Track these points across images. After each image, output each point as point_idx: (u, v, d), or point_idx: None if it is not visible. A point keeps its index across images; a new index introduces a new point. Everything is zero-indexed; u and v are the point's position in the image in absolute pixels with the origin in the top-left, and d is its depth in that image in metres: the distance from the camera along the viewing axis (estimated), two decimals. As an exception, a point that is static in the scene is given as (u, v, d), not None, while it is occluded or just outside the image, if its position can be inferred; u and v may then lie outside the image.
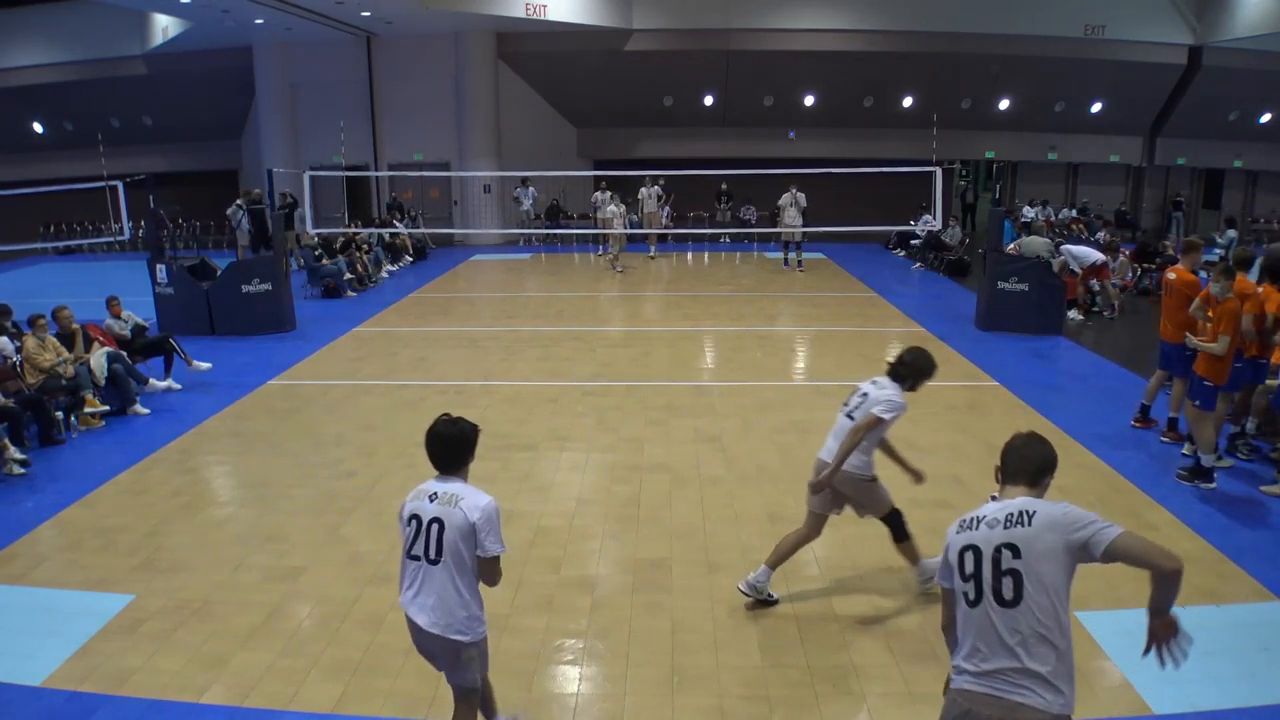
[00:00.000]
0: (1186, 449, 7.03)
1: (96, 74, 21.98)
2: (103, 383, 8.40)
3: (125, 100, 22.42)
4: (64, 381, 8.00)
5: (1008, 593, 2.51)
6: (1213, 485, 6.39)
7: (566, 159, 22.11)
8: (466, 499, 3.24)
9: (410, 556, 3.29)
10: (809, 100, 21.95)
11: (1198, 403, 6.45)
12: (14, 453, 6.98)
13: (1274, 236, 19.44)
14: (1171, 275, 7.42)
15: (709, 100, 22.08)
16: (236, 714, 3.98)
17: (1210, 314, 6.59)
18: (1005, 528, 2.57)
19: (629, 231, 17.49)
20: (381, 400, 8.97)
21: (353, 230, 17.30)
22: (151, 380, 9.16)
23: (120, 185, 13.77)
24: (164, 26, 19.97)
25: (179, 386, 9.38)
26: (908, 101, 21.87)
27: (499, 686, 4.17)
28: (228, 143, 23.46)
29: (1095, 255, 13.21)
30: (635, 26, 20.61)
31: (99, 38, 21.46)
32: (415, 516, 3.28)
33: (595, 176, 19.97)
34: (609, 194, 17.92)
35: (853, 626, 4.64)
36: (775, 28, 20.56)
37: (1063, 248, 13.41)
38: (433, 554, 3.22)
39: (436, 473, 3.37)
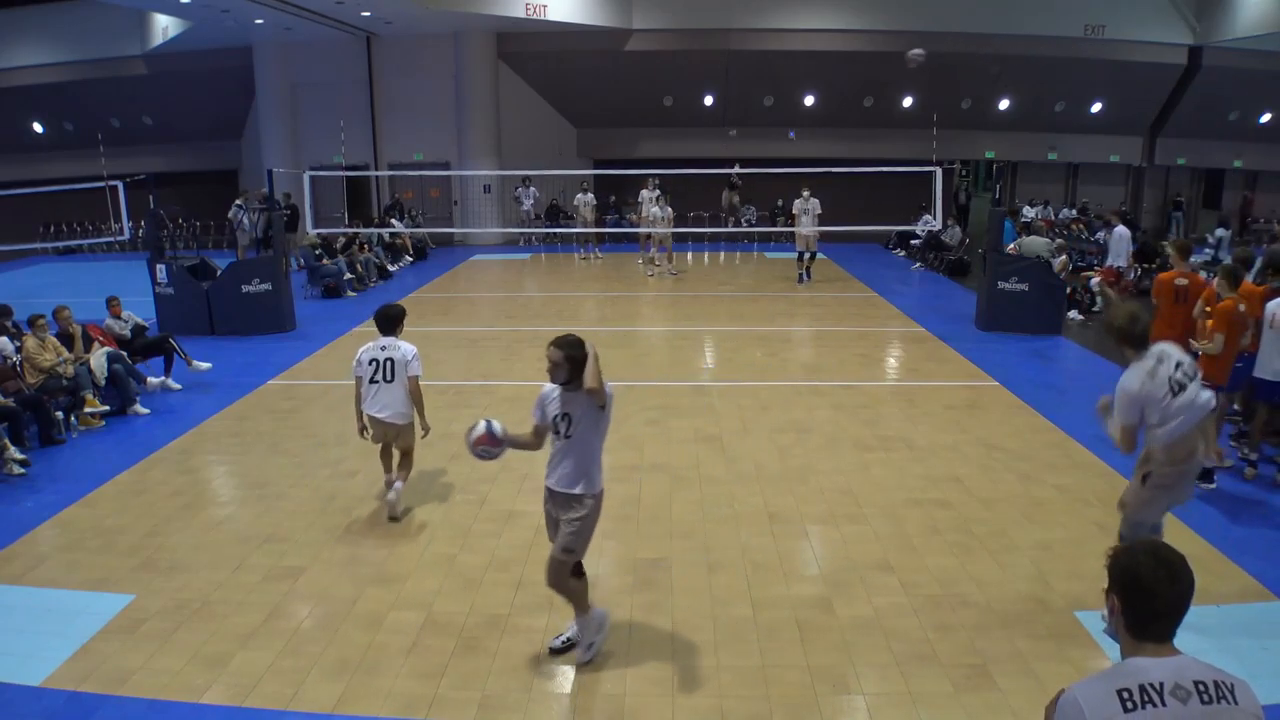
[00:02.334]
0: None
1: (96, 74, 21.98)
2: (103, 383, 8.40)
3: (125, 100, 22.42)
4: (64, 381, 8.00)
5: None
6: (1213, 485, 6.39)
7: (566, 159, 22.11)
8: (402, 347, 5.93)
9: (371, 382, 5.91)
10: (809, 100, 21.95)
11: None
12: (14, 453, 6.97)
13: (1274, 237, 19.43)
14: (1183, 281, 7.27)
15: (709, 100, 22.08)
16: (236, 714, 3.98)
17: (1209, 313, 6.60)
18: (1204, 702, 1.88)
19: (628, 231, 17.37)
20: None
21: (352, 232, 17.24)
22: (149, 378, 9.16)
23: (120, 185, 13.78)
24: (164, 26, 19.97)
25: (178, 386, 9.38)
26: (908, 101, 21.86)
27: (500, 686, 4.18)
28: (228, 143, 23.46)
29: (1124, 260, 13.14)
30: (635, 26, 20.61)
31: (99, 38, 21.46)
32: (374, 360, 5.93)
33: (590, 177, 19.93)
34: (654, 194, 17.20)
35: (853, 626, 4.64)
36: (775, 28, 20.56)
37: (1114, 231, 13.32)
38: (388, 377, 5.88)
39: (380, 335, 6.02)
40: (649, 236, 17.41)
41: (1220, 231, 17.40)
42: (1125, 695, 1.88)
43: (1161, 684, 1.88)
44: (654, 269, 17.24)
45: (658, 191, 17.19)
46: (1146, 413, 4.38)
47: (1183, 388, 4.38)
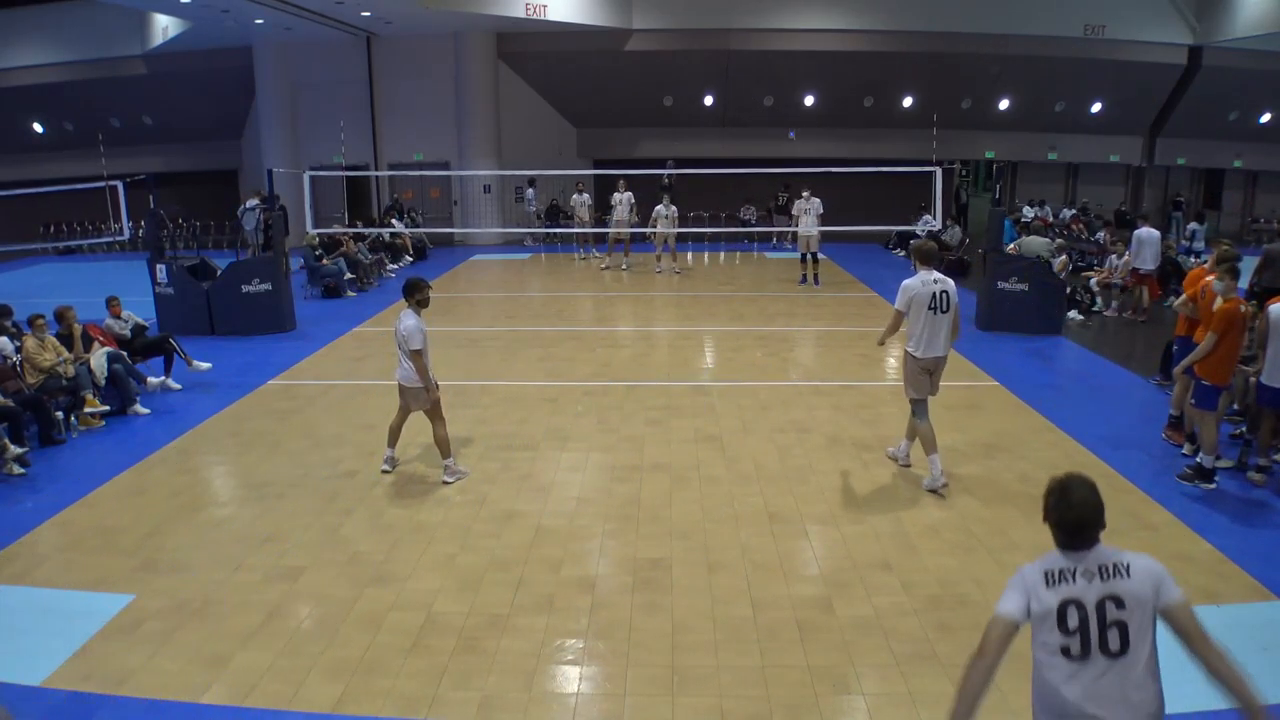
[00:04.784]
0: (1187, 449, 7.03)
1: (96, 74, 21.97)
2: (103, 383, 8.40)
3: (125, 100, 22.42)
4: (64, 381, 8.00)
5: (1114, 644, 2.59)
6: (1213, 485, 6.39)
7: (566, 159, 22.12)
8: (404, 322, 6.39)
9: (397, 348, 6.51)
10: (809, 100, 21.95)
11: (1195, 402, 6.46)
12: (14, 453, 6.98)
13: (1273, 236, 19.44)
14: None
15: (709, 100, 22.08)
16: (236, 714, 3.98)
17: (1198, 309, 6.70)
18: (1103, 579, 2.62)
19: (628, 231, 17.40)
20: (382, 400, 8.94)
21: (332, 233, 17.06)
22: (149, 378, 9.16)
23: (120, 185, 13.76)
24: (164, 26, 19.97)
25: (178, 386, 9.38)
26: (908, 101, 21.86)
27: (500, 686, 4.19)
28: (228, 143, 23.47)
29: (1150, 263, 12.81)
30: (635, 26, 20.61)
31: (99, 38, 21.46)
32: (394, 328, 6.49)
33: (588, 178, 19.88)
34: (625, 195, 17.45)
35: (853, 626, 4.64)
36: (775, 28, 20.56)
37: (1139, 232, 12.89)
38: (399, 347, 6.45)
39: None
40: (632, 238, 17.61)
41: (1193, 226, 17.41)
42: (1049, 575, 2.65)
43: (1075, 569, 2.63)
44: (659, 267, 17.29)
45: (629, 193, 17.31)
46: (912, 312, 6.30)
47: (943, 311, 6.25)
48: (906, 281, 6.34)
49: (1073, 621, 2.61)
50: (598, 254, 19.64)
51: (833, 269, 17.56)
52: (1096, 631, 2.59)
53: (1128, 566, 2.62)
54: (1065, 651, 2.62)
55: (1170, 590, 2.60)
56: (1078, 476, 2.71)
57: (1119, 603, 2.58)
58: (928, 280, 6.27)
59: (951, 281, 6.40)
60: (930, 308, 6.23)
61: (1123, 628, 2.59)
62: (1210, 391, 6.38)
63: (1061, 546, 2.70)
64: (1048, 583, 2.65)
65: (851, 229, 15.75)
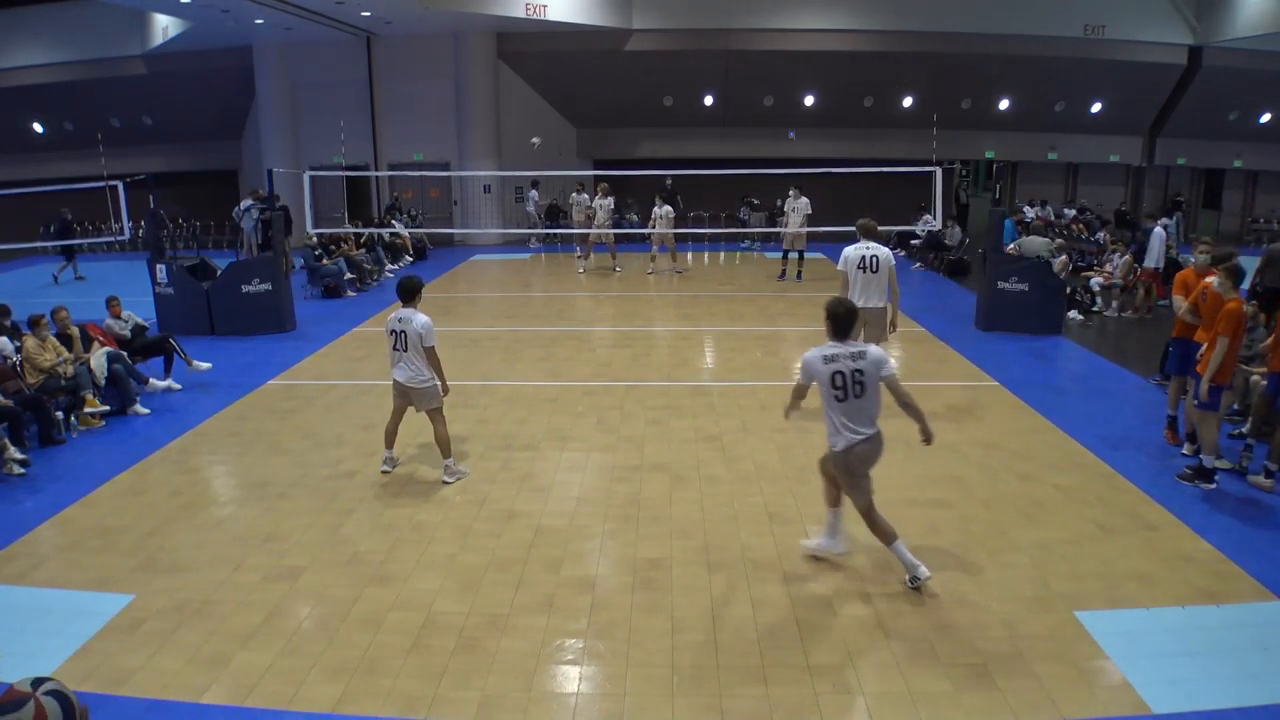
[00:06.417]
0: (1186, 449, 7.03)
1: (96, 74, 21.98)
2: (103, 383, 8.40)
3: (125, 100, 22.42)
4: (64, 381, 8.01)
5: (858, 392, 4.81)
6: (1213, 485, 6.39)
7: (566, 159, 22.11)
8: (415, 321, 6.38)
9: (394, 349, 6.47)
10: (809, 100, 21.95)
11: (1197, 403, 6.46)
12: (14, 453, 6.98)
13: (1274, 236, 19.43)
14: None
15: (709, 100, 22.08)
16: (236, 714, 3.98)
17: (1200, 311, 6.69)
18: (853, 360, 4.81)
19: (629, 231, 17.41)
20: (382, 400, 8.92)
21: (330, 233, 17.03)
22: (151, 380, 9.16)
23: (120, 185, 13.77)
24: (164, 26, 19.97)
25: (179, 387, 9.38)
26: (908, 101, 21.86)
27: (500, 687, 4.19)
28: (228, 143, 23.46)
29: (1157, 260, 13.08)
30: (635, 26, 20.61)
31: (99, 38, 21.47)
32: (393, 330, 6.45)
33: (587, 178, 19.86)
34: (595, 198, 17.64)
35: (853, 626, 4.64)
36: (775, 28, 20.57)
37: (1155, 231, 13.19)
38: (402, 347, 6.43)
39: (400, 304, 6.54)
40: (595, 239, 17.78)
41: (1166, 220, 17.46)
42: (825, 357, 4.81)
43: (839, 353, 4.79)
44: (652, 268, 17.29)
45: (610, 200, 17.37)
46: (848, 271, 7.94)
47: (872, 271, 7.86)
48: (845, 248, 7.97)
49: (839, 381, 4.78)
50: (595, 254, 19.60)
51: (832, 269, 17.46)
52: (852, 385, 4.76)
53: (864, 353, 4.81)
54: (836, 397, 4.80)
55: (887, 369, 4.83)
56: (844, 299, 5.06)
57: (860, 372, 4.76)
58: (860, 247, 7.90)
59: (885, 250, 7.97)
60: (860, 267, 7.85)
61: (862, 383, 4.77)
62: (1213, 391, 6.37)
63: (832, 337, 4.87)
64: (824, 362, 4.82)
65: (852, 229, 15.73)
